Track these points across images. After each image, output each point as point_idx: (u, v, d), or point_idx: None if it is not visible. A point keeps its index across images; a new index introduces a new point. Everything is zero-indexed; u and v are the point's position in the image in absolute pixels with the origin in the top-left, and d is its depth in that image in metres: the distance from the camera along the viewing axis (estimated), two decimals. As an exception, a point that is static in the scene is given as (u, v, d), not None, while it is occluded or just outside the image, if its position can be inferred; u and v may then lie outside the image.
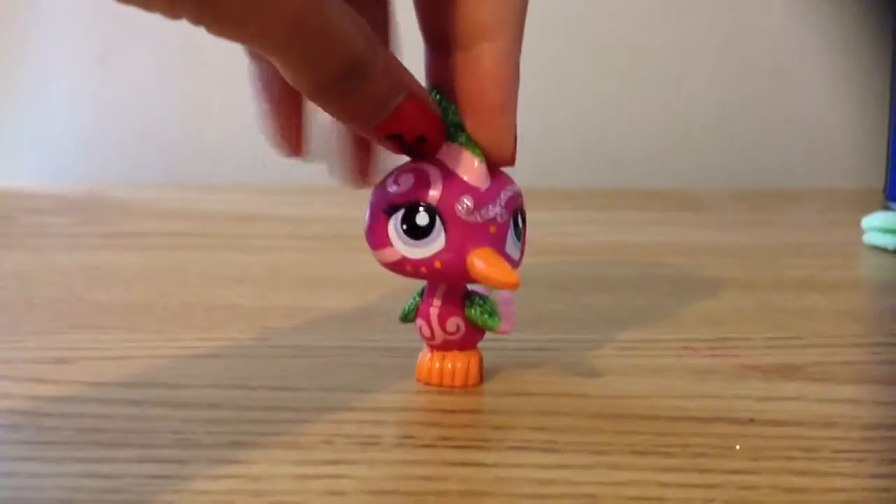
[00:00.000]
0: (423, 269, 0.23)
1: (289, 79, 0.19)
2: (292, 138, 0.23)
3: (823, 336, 0.30)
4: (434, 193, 0.22)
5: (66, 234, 0.53)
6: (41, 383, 0.25)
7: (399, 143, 0.22)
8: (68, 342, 0.29)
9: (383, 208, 0.23)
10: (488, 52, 0.21)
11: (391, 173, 0.23)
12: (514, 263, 0.24)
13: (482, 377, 0.25)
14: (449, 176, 0.22)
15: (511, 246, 0.23)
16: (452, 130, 0.22)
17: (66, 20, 0.82)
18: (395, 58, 0.21)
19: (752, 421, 0.22)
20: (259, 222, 0.57)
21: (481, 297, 0.25)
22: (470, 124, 0.22)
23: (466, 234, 0.22)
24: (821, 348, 0.28)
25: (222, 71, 0.79)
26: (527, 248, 0.25)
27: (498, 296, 0.26)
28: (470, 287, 0.25)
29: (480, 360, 0.25)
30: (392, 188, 0.23)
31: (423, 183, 0.22)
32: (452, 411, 0.23)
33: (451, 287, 0.24)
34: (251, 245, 0.49)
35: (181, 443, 0.21)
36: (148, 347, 0.29)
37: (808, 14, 0.76)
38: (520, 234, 0.24)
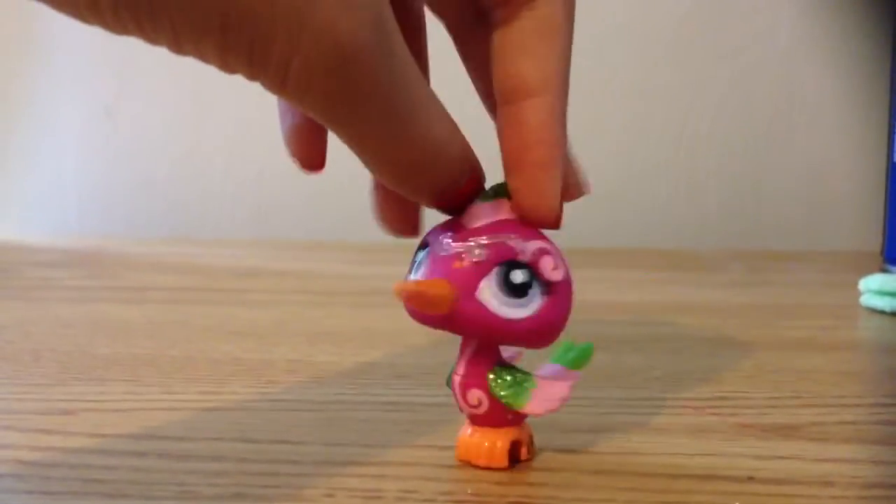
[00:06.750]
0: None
1: (356, 153, 0.19)
2: (315, 153, 0.22)
3: (822, 396, 0.30)
4: (435, 227, 0.22)
5: (71, 287, 0.54)
6: (46, 434, 0.25)
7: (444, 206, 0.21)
8: (73, 394, 0.29)
9: None
10: (532, 107, 0.20)
11: None
12: (500, 323, 0.20)
13: (516, 458, 0.23)
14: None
15: (489, 296, 0.20)
16: None
17: (73, 73, 0.84)
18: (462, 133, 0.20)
19: (751, 479, 0.22)
20: (262, 277, 0.58)
21: (513, 368, 0.22)
22: (512, 184, 0.21)
23: (436, 264, 0.21)
24: (819, 408, 0.28)
25: (228, 126, 0.80)
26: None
27: (543, 370, 0.23)
28: (507, 354, 0.23)
29: (514, 442, 0.22)
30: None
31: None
32: (453, 466, 0.23)
33: (478, 351, 0.22)
34: (254, 299, 0.49)
35: (184, 495, 0.21)
36: (151, 400, 0.29)
37: (802, 79, 0.78)
38: (519, 291, 0.20)
